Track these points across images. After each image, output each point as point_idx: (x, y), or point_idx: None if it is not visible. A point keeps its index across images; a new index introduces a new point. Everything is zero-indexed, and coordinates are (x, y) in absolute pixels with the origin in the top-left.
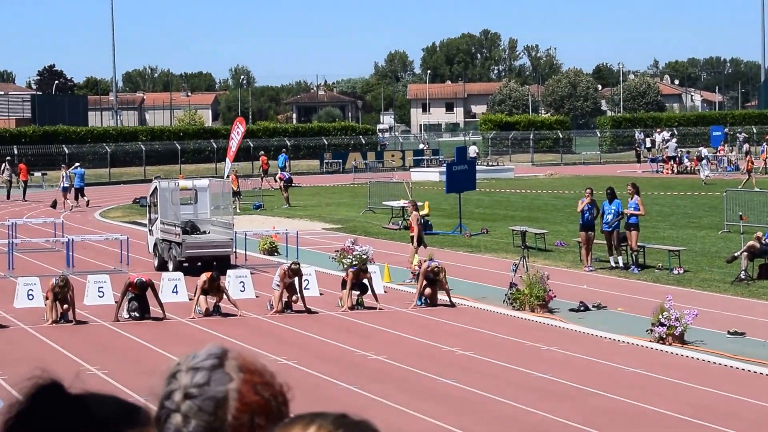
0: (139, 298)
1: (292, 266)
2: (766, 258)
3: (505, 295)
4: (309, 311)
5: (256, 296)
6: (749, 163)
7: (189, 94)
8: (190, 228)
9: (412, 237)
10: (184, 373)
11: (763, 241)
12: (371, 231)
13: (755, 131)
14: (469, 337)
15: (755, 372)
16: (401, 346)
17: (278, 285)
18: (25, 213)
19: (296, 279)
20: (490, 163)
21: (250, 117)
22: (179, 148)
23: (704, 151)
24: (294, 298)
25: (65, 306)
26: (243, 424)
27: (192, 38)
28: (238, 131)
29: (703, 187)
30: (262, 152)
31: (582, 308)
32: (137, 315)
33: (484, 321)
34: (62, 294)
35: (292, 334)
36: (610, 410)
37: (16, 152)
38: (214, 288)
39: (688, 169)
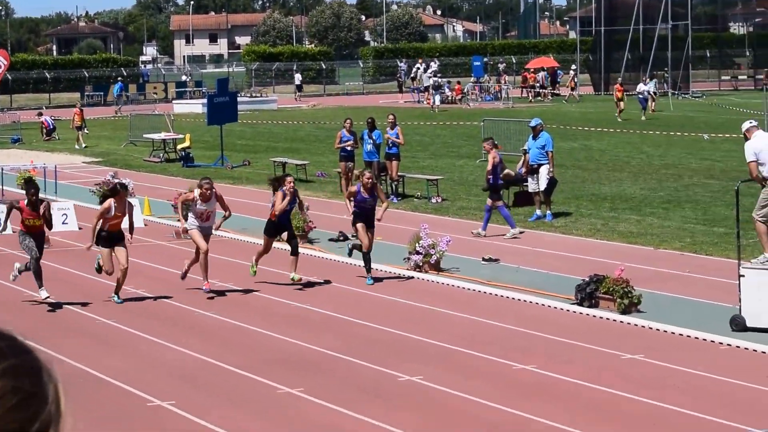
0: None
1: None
2: (522, 186)
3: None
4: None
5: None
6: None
7: None
8: None
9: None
10: None
11: (515, 171)
12: (132, 164)
13: (515, 61)
14: (229, 269)
15: (507, 297)
16: (159, 280)
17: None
18: None
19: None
20: (254, 95)
21: (9, 49)
22: None
23: (440, 80)
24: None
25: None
26: None
27: None
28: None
29: (463, 116)
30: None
31: (341, 238)
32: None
33: (244, 252)
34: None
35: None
36: (369, 338)
37: None
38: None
39: (450, 99)
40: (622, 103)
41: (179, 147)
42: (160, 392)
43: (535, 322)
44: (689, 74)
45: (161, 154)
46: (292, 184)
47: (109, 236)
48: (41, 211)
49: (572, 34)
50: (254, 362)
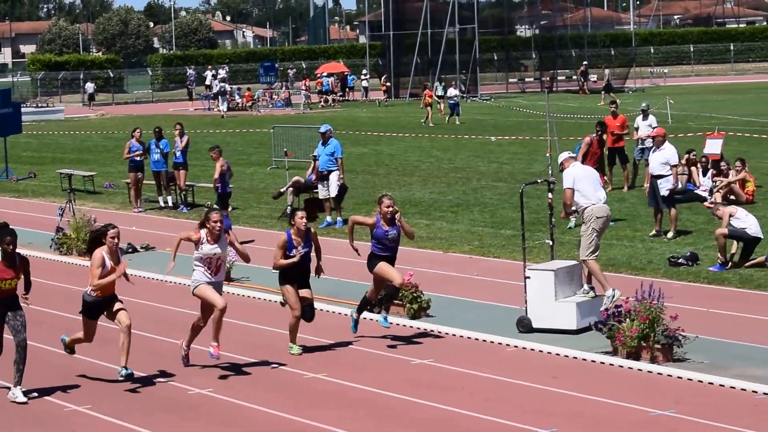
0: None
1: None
2: (311, 192)
3: (52, 240)
4: None
5: None
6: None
7: None
8: None
9: None
10: None
11: (306, 177)
12: None
13: (305, 66)
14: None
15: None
16: None
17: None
18: None
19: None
20: (39, 105)
21: None
22: None
23: (227, 86)
24: None
25: None
26: None
27: None
28: None
29: (254, 123)
30: None
31: (130, 250)
32: None
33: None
34: None
35: None
36: (158, 351)
37: None
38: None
39: (240, 105)
40: (429, 109)
41: None
42: None
43: (325, 330)
44: (477, 77)
45: None
46: (304, 220)
47: (99, 305)
48: (19, 267)
49: (362, 39)
50: (39, 381)
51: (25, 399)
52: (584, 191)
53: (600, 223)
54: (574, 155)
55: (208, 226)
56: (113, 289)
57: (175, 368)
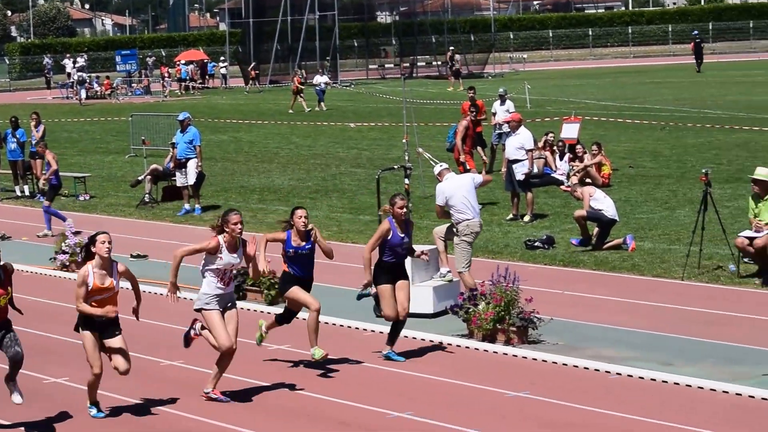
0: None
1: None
2: (169, 180)
3: None
4: None
5: None
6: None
7: None
8: None
9: None
10: None
11: (164, 165)
12: None
13: (164, 54)
14: None
15: (155, 293)
16: None
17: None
18: None
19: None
20: None
21: None
22: None
23: (85, 75)
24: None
25: None
26: None
27: None
28: None
29: (112, 111)
30: None
31: None
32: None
33: None
34: None
35: None
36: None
37: None
38: None
39: (99, 94)
40: (300, 96)
41: None
42: None
43: (182, 317)
44: (338, 64)
45: None
46: (304, 218)
47: (99, 321)
48: (5, 281)
49: (222, 26)
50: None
51: (20, 399)
52: (458, 206)
53: (473, 237)
54: (446, 167)
55: (227, 229)
56: (114, 309)
57: (31, 357)
